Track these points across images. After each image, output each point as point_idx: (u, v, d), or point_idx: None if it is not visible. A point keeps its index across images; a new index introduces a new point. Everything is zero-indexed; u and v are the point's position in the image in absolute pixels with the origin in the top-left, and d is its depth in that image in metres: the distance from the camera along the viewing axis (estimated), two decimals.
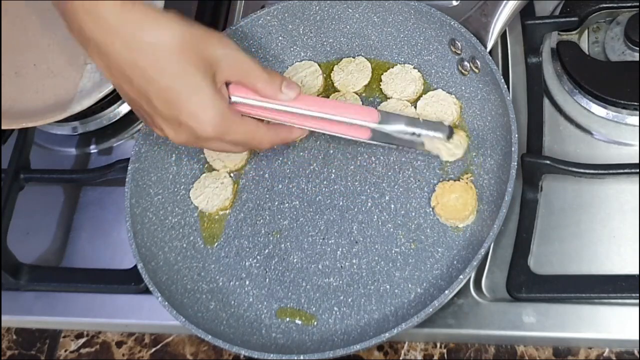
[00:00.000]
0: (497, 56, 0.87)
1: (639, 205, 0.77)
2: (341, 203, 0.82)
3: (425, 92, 0.84)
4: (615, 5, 0.84)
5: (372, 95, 0.86)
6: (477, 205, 0.77)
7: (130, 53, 0.67)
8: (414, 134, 0.78)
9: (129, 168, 0.83)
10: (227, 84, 0.73)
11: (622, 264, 0.75)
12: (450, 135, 0.78)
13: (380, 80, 0.86)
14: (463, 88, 0.83)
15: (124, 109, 0.96)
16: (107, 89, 0.89)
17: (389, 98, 0.85)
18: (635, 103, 0.80)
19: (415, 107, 0.83)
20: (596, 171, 0.77)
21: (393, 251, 0.78)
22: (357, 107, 0.83)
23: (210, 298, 0.79)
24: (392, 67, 0.86)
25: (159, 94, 0.69)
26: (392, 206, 0.80)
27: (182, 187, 0.85)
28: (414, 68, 0.85)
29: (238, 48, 0.73)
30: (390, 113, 0.80)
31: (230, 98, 0.73)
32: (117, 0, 0.66)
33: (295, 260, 0.80)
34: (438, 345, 0.77)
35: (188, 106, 0.69)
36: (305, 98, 0.77)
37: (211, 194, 0.84)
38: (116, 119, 0.96)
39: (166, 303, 0.75)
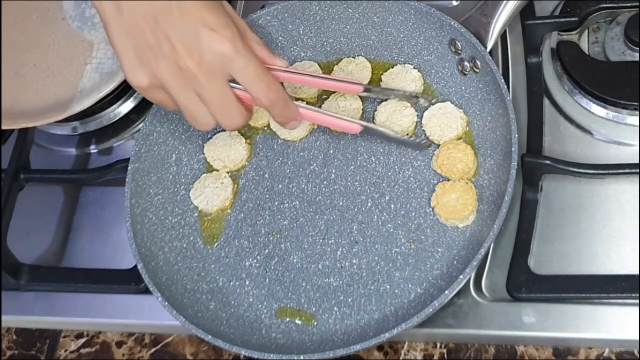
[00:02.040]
0: (497, 56, 0.87)
1: (639, 205, 0.77)
2: (341, 203, 0.82)
3: (425, 92, 0.84)
4: (615, 5, 0.84)
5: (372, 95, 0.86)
6: (477, 205, 0.77)
7: None
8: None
9: (129, 168, 0.83)
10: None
11: (622, 264, 0.75)
12: (429, 145, 0.81)
13: (380, 80, 0.86)
14: (463, 88, 0.83)
15: (124, 109, 0.96)
16: (107, 89, 0.89)
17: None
18: (635, 103, 0.80)
19: (422, 117, 0.83)
20: (596, 171, 0.77)
21: (393, 251, 0.78)
22: (343, 122, 0.82)
23: (210, 298, 0.79)
24: (392, 67, 0.86)
25: (180, 10, 0.68)
26: (392, 206, 0.80)
27: (182, 187, 0.85)
28: (414, 68, 0.85)
29: (235, 13, 0.74)
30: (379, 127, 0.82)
31: None
32: None
33: (295, 260, 0.80)
34: (438, 345, 0.77)
35: (209, 18, 0.68)
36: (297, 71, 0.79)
37: (211, 194, 0.84)
38: (116, 119, 0.96)
39: (166, 303, 0.75)
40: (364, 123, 0.81)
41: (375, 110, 0.84)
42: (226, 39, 0.69)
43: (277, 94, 0.73)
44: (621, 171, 0.77)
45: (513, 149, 0.74)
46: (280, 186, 0.84)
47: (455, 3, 0.92)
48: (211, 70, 0.69)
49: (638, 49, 0.82)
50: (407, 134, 0.83)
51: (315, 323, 0.77)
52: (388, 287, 0.77)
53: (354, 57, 0.88)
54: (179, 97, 0.71)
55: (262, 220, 0.83)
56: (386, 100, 0.85)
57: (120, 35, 0.70)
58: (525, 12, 0.86)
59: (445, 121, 0.81)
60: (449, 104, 0.82)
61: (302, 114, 0.77)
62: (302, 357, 0.71)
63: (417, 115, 0.83)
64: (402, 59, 0.87)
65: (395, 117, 0.83)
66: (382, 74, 0.86)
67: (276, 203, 0.84)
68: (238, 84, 0.72)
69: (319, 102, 0.87)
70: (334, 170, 0.84)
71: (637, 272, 0.74)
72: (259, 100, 0.73)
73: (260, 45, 0.75)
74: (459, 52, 0.83)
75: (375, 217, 0.80)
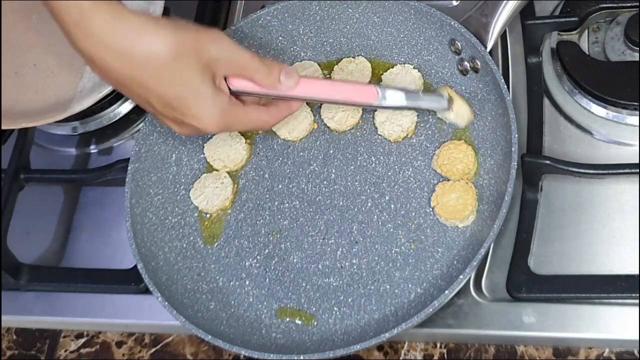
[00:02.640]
0: (497, 56, 0.87)
1: (639, 205, 0.77)
2: (341, 203, 0.82)
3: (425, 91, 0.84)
4: (615, 5, 0.84)
5: None
6: (477, 205, 0.77)
7: (124, 66, 0.67)
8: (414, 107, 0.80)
9: (129, 168, 0.83)
10: (226, 77, 0.73)
11: (622, 264, 0.75)
12: (449, 106, 0.79)
13: (381, 80, 0.86)
14: (463, 88, 0.83)
15: (124, 109, 0.96)
16: (107, 89, 0.89)
17: None
18: (635, 103, 0.80)
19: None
20: (596, 171, 0.77)
21: (393, 251, 0.78)
22: (356, 86, 0.81)
23: (210, 298, 0.79)
24: (392, 67, 0.86)
25: (159, 100, 0.69)
26: (392, 206, 0.80)
27: (182, 187, 0.85)
28: (414, 68, 0.85)
29: (232, 43, 0.72)
30: (390, 88, 0.79)
31: (230, 89, 0.73)
32: (105, 11, 0.65)
33: (295, 260, 0.80)
34: (438, 345, 0.77)
35: (189, 110, 0.70)
36: (306, 83, 0.77)
37: (211, 194, 0.84)
38: (116, 119, 0.96)
39: (166, 303, 0.75)
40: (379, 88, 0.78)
41: (376, 111, 0.84)
42: (210, 125, 0.72)
43: (277, 120, 0.78)
44: (621, 171, 0.77)
45: (513, 149, 0.74)
46: (280, 186, 0.84)
47: (455, 3, 0.92)
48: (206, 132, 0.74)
49: (638, 49, 0.82)
50: (407, 135, 0.83)
51: (315, 323, 0.77)
52: (388, 287, 0.77)
53: (354, 57, 0.88)
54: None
55: (262, 220, 0.83)
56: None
57: (112, 82, 0.72)
58: (525, 12, 0.86)
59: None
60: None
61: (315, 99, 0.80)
62: (302, 357, 0.71)
63: (417, 115, 0.83)
64: (402, 59, 0.87)
65: (395, 117, 0.83)
66: (382, 73, 0.86)
67: (276, 203, 0.84)
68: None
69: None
70: (334, 170, 0.84)
71: (637, 272, 0.74)
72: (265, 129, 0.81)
73: (263, 75, 0.74)
74: (459, 52, 0.83)
75: (375, 217, 0.80)
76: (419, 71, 0.85)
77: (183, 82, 0.68)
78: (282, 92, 0.75)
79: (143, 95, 0.70)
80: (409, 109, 0.81)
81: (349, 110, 0.85)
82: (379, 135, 0.84)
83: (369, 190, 0.82)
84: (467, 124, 0.80)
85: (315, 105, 0.87)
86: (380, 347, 0.78)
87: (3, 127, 0.90)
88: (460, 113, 0.79)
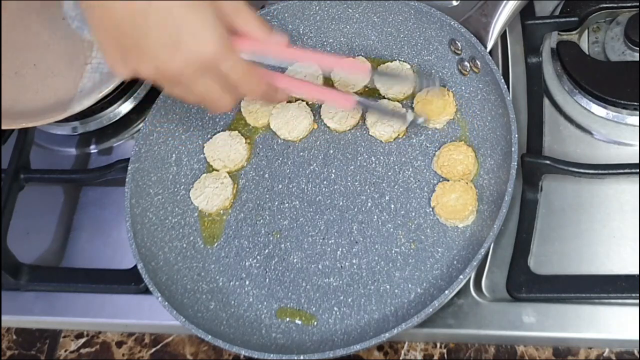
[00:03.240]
0: (497, 56, 0.87)
1: (639, 205, 0.77)
2: (341, 203, 0.82)
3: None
4: (615, 5, 0.84)
5: (372, 95, 0.86)
6: (477, 205, 0.77)
7: None
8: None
9: (129, 168, 0.83)
10: None
11: (622, 264, 0.75)
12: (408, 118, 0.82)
13: (375, 73, 0.86)
14: (463, 88, 0.83)
15: (124, 109, 0.96)
16: (107, 89, 0.89)
17: (383, 97, 0.85)
18: (635, 103, 0.80)
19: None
20: (596, 171, 0.77)
21: (393, 251, 0.78)
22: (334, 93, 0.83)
23: (210, 298, 0.79)
24: (391, 62, 0.86)
25: (160, 7, 0.66)
26: (392, 206, 0.80)
27: (182, 187, 0.85)
28: (411, 69, 0.85)
29: None
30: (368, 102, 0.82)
31: None
32: None
33: (295, 260, 0.80)
34: (438, 345, 0.77)
35: (190, 22, 0.66)
36: (295, 50, 0.78)
37: (211, 194, 0.84)
38: (116, 119, 0.96)
39: (166, 303, 0.75)
40: (357, 98, 0.81)
41: (367, 112, 0.84)
42: (209, 43, 0.67)
43: (265, 88, 0.74)
44: (621, 171, 0.77)
45: (513, 149, 0.74)
46: (280, 186, 0.84)
47: (455, 3, 0.92)
48: (194, 73, 0.68)
49: (638, 49, 0.82)
50: (399, 135, 0.83)
51: (315, 323, 0.77)
52: (388, 287, 0.77)
53: (353, 57, 0.88)
54: (170, 92, 0.72)
55: (262, 220, 0.83)
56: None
57: (101, 31, 0.69)
58: (525, 12, 0.86)
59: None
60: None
61: (295, 90, 0.79)
62: (302, 357, 0.71)
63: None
64: (402, 59, 0.87)
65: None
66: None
67: (276, 203, 0.84)
68: None
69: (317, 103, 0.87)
70: (334, 170, 0.84)
71: (637, 272, 0.74)
72: (249, 95, 0.75)
73: (255, 24, 0.72)
74: (459, 52, 0.83)
75: (375, 217, 0.80)
76: (414, 72, 0.85)
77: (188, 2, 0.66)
78: (273, 46, 0.73)
79: (143, 10, 0.66)
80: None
81: (348, 110, 0.85)
82: (371, 136, 0.84)
83: (369, 190, 0.82)
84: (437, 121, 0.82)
85: (315, 105, 0.87)
86: (380, 347, 0.78)
87: (3, 127, 0.90)
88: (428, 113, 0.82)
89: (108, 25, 0.68)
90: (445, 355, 0.77)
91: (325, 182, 0.83)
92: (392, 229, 0.79)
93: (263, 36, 0.72)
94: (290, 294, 0.79)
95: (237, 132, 0.87)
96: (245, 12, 0.71)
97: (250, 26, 0.71)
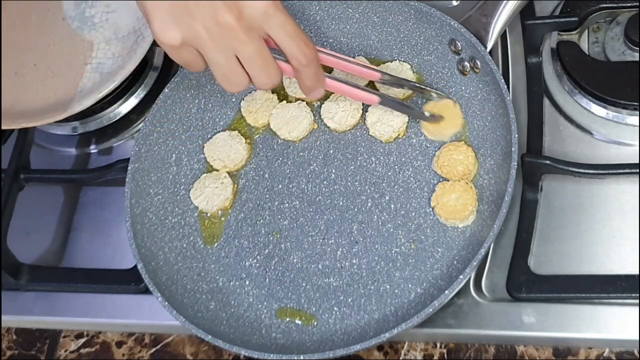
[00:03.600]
0: (497, 56, 0.87)
1: (639, 205, 0.77)
2: (341, 203, 0.82)
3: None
4: (615, 5, 0.84)
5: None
6: (477, 205, 0.77)
7: None
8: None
9: (129, 168, 0.83)
10: None
11: (622, 264, 0.75)
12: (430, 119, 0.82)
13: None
14: (463, 88, 0.83)
15: (124, 109, 0.96)
16: (107, 89, 0.89)
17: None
18: (635, 103, 0.80)
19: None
20: (596, 171, 0.77)
21: (393, 251, 0.78)
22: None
23: (210, 298, 0.79)
24: (391, 62, 0.86)
25: None
26: (392, 206, 0.80)
27: (182, 187, 0.85)
28: (411, 69, 0.85)
29: None
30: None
31: None
32: None
33: (295, 260, 0.80)
34: (438, 345, 0.77)
35: None
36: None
37: (211, 194, 0.84)
38: (116, 119, 0.96)
39: (166, 303, 0.75)
40: (380, 93, 0.81)
41: (367, 111, 0.84)
42: None
43: (314, 53, 0.72)
44: (621, 171, 0.77)
45: (513, 149, 0.74)
46: (280, 186, 0.84)
47: (455, 3, 0.92)
48: (250, 26, 0.68)
49: (638, 49, 0.82)
50: (399, 135, 0.83)
51: (315, 323, 0.77)
52: (388, 287, 0.77)
53: (354, 57, 0.88)
54: (214, 54, 0.69)
55: (262, 220, 0.83)
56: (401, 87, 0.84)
57: None
58: (525, 12, 0.86)
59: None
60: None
61: (327, 82, 0.77)
62: (302, 357, 0.71)
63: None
64: (402, 59, 0.87)
65: (386, 118, 0.83)
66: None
67: (276, 203, 0.84)
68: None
69: (319, 101, 0.87)
70: (334, 170, 0.84)
71: (637, 272, 0.74)
72: (296, 59, 0.72)
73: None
74: (459, 52, 0.83)
75: (375, 217, 0.80)
76: (414, 72, 0.85)
77: None
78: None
79: None
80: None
81: (348, 110, 0.85)
82: (371, 135, 0.84)
83: (369, 190, 0.82)
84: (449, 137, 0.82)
85: (315, 105, 0.87)
86: (380, 347, 0.78)
87: (3, 127, 0.90)
88: (439, 132, 0.81)
89: None
90: (445, 355, 0.77)
91: (325, 182, 0.84)
92: (392, 229, 0.79)
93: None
94: (290, 294, 0.79)
95: (237, 132, 0.87)
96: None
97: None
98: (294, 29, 0.70)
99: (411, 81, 0.84)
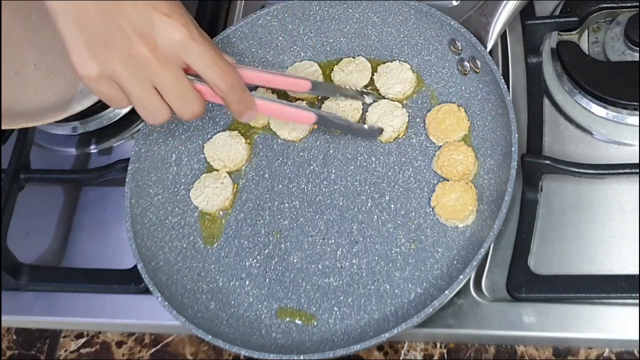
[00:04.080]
0: (497, 56, 0.87)
1: (639, 205, 0.77)
2: (341, 203, 0.82)
3: (415, 91, 0.85)
4: (615, 5, 0.84)
5: (372, 94, 0.86)
6: (477, 205, 0.77)
7: None
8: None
9: (129, 168, 0.83)
10: None
11: (622, 264, 0.75)
12: (381, 132, 0.83)
13: (375, 72, 0.86)
14: (463, 88, 0.83)
15: (124, 109, 0.96)
16: None
17: (382, 96, 0.85)
18: (635, 103, 0.80)
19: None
20: (596, 171, 0.77)
21: (393, 251, 0.78)
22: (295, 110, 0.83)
23: (210, 298, 0.79)
24: (391, 62, 0.86)
25: (133, 3, 0.67)
26: (392, 206, 0.80)
27: (182, 187, 0.85)
28: (411, 69, 0.85)
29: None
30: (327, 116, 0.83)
31: None
32: None
33: (295, 260, 0.80)
34: (438, 345, 0.77)
35: (161, 8, 0.67)
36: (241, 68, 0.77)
37: (211, 194, 0.84)
38: (116, 119, 0.96)
39: (166, 303, 0.75)
40: (317, 111, 0.82)
41: (367, 111, 0.84)
42: (181, 25, 0.68)
43: (234, 79, 0.73)
44: (621, 171, 0.77)
45: (513, 149, 0.74)
46: (280, 186, 0.84)
47: (455, 3, 0.92)
48: (166, 57, 0.68)
49: (638, 49, 0.82)
50: (398, 135, 0.83)
51: (315, 323, 0.77)
52: (388, 287, 0.77)
53: (354, 57, 0.88)
54: (131, 86, 0.70)
55: (262, 220, 0.83)
56: (336, 97, 0.85)
57: (70, 25, 0.69)
58: (525, 12, 0.86)
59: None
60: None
61: (258, 104, 0.77)
62: (302, 357, 0.71)
63: (408, 115, 0.83)
64: (402, 59, 0.87)
65: (386, 118, 0.83)
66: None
67: (276, 203, 0.84)
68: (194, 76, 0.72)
69: (319, 102, 0.87)
70: (334, 170, 0.84)
71: (637, 272, 0.74)
72: (216, 87, 0.72)
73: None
74: (459, 52, 0.83)
75: (375, 217, 0.80)
76: (414, 72, 0.85)
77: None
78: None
79: (108, 25, 0.67)
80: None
81: (348, 110, 0.85)
82: None
83: (369, 190, 0.82)
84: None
85: (315, 105, 0.87)
86: (380, 347, 0.78)
87: (3, 127, 0.90)
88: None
89: (80, 20, 0.68)
90: (445, 355, 0.77)
91: (325, 182, 0.83)
92: (392, 229, 0.79)
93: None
94: (290, 294, 0.79)
95: (237, 132, 0.87)
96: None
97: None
98: (211, 58, 0.70)
99: (345, 86, 0.85)
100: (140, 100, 0.71)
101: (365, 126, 0.83)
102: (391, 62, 0.86)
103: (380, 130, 0.83)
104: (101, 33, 0.68)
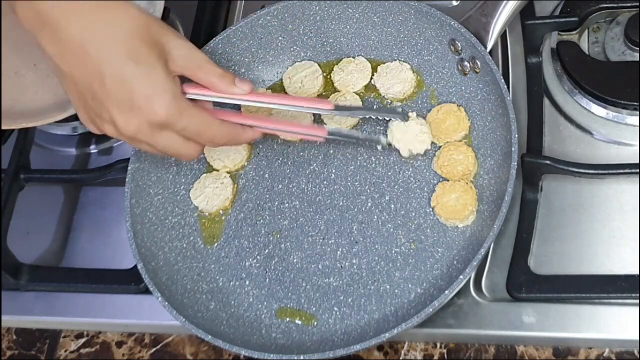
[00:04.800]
0: (497, 56, 0.87)
1: (639, 205, 0.77)
2: (341, 203, 0.82)
3: (417, 92, 0.85)
4: (615, 5, 0.84)
5: (372, 95, 0.86)
6: (477, 205, 0.77)
7: (86, 33, 0.67)
8: (369, 117, 0.82)
9: (129, 168, 0.83)
10: (182, 83, 0.72)
11: (622, 264, 0.75)
12: (405, 117, 0.80)
13: (375, 72, 0.86)
14: (463, 88, 0.83)
15: None
16: None
17: (383, 97, 0.86)
18: (635, 103, 0.80)
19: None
20: (596, 171, 0.77)
21: (393, 251, 0.78)
22: (311, 99, 0.84)
23: (210, 298, 0.79)
24: (391, 62, 0.86)
25: (113, 73, 0.67)
26: (392, 206, 0.80)
27: (182, 187, 0.85)
28: (411, 69, 0.85)
29: (193, 46, 0.72)
30: (345, 105, 0.82)
31: (185, 94, 0.72)
32: None
33: (295, 260, 0.80)
34: (438, 345, 0.77)
35: (141, 87, 0.68)
36: (259, 94, 0.77)
37: (211, 194, 0.84)
38: None
39: (166, 303, 0.75)
40: (329, 129, 0.80)
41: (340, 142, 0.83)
42: (161, 107, 0.68)
43: (226, 139, 0.75)
44: (621, 171, 0.77)
45: (513, 149, 0.74)
46: (280, 186, 0.84)
47: (455, 3, 0.92)
48: (152, 132, 0.70)
49: (638, 49, 0.82)
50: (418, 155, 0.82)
51: (315, 323, 0.77)
52: (388, 287, 0.77)
53: (354, 57, 0.88)
54: (135, 147, 0.75)
55: (262, 220, 0.83)
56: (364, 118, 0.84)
57: (67, 84, 0.71)
58: (525, 12, 0.86)
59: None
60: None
61: (262, 131, 0.78)
62: (302, 357, 0.71)
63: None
64: (402, 59, 0.87)
65: (409, 139, 0.81)
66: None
67: (276, 203, 0.84)
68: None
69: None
70: (334, 170, 0.84)
71: (637, 272, 0.74)
72: (212, 145, 0.77)
73: (218, 77, 0.73)
74: (459, 52, 0.83)
75: (375, 217, 0.80)
76: (414, 73, 0.85)
77: (139, 56, 0.68)
78: (236, 96, 0.74)
79: (96, 70, 0.67)
80: (361, 137, 0.82)
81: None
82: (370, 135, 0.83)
83: (369, 190, 0.82)
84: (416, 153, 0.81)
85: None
86: (380, 347, 0.78)
87: (3, 127, 0.90)
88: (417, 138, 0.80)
89: (74, 89, 0.71)
90: (445, 355, 0.77)
91: (325, 182, 0.83)
92: (392, 229, 0.79)
93: (226, 88, 0.73)
94: (290, 294, 0.79)
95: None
96: (206, 66, 0.73)
97: (214, 79, 0.73)
98: (195, 130, 0.71)
99: (364, 108, 0.84)
100: (159, 153, 0.74)
101: (383, 139, 0.81)
102: (391, 62, 0.86)
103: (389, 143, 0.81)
104: (93, 108, 0.70)
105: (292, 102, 0.79)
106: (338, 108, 0.79)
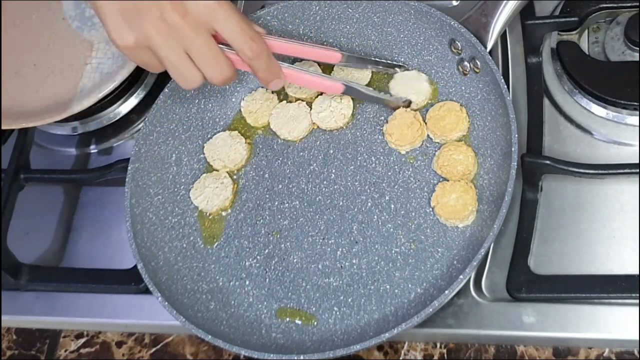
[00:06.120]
0: (497, 56, 0.87)
1: (639, 205, 0.77)
2: (341, 203, 0.82)
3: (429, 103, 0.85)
4: (615, 5, 0.84)
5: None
6: (477, 205, 0.77)
7: None
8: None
9: (129, 168, 0.83)
10: None
11: (622, 264, 0.75)
12: (408, 105, 0.83)
13: (391, 79, 0.86)
14: (463, 88, 0.83)
15: (124, 109, 0.96)
16: (107, 89, 0.89)
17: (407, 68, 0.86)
18: (635, 103, 0.80)
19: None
20: (596, 171, 0.77)
21: (393, 251, 0.78)
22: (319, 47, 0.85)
23: (210, 298, 0.79)
24: (409, 71, 0.86)
25: None
26: (392, 206, 0.80)
27: (182, 187, 0.85)
28: (429, 81, 0.85)
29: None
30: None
31: None
32: None
33: (295, 260, 0.80)
34: (438, 345, 0.77)
35: None
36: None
37: (211, 194, 0.84)
38: (116, 119, 0.96)
39: (166, 303, 0.75)
40: (345, 81, 0.82)
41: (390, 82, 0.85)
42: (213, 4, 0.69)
43: (261, 46, 0.74)
44: (621, 171, 0.77)
45: (513, 149, 0.74)
46: (280, 186, 0.84)
47: (455, 3, 0.92)
48: (196, 22, 0.71)
49: (638, 49, 0.82)
50: (427, 102, 0.84)
51: (315, 323, 0.77)
52: (388, 287, 0.77)
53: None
54: (165, 52, 0.72)
55: (262, 220, 0.83)
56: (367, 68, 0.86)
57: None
58: (525, 12, 0.86)
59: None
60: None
61: (285, 73, 0.78)
62: (302, 357, 0.71)
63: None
64: (402, 59, 0.87)
65: (410, 88, 0.84)
66: (382, 74, 0.86)
67: (276, 203, 0.84)
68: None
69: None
70: (334, 170, 0.84)
71: (637, 272, 0.74)
72: (243, 53, 0.74)
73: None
74: (459, 52, 0.83)
75: (375, 217, 0.80)
76: (430, 85, 0.85)
77: None
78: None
79: None
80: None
81: (335, 112, 0.85)
82: (370, 135, 0.84)
83: (369, 190, 0.82)
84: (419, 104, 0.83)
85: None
86: (380, 347, 0.78)
87: (3, 127, 0.90)
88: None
89: None
90: (445, 355, 0.77)
91: (325, 182, 0.84)
92: (392, 229, 0.79)
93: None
94: (290, 294, 0.79)
95: (237, 132, 0.87)
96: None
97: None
98: (238, 24, 0.72)
99: (374, 58, 0.86)
100: (173, 65, 0.73)
101: (391, 97, 0.83)
102: (409, 70, 0.86)
103: (409, 102, 0.83)
104: (134, 1, 0.70)
105: (302, 49, 0.81)
106: (346, 57, 0.83)
